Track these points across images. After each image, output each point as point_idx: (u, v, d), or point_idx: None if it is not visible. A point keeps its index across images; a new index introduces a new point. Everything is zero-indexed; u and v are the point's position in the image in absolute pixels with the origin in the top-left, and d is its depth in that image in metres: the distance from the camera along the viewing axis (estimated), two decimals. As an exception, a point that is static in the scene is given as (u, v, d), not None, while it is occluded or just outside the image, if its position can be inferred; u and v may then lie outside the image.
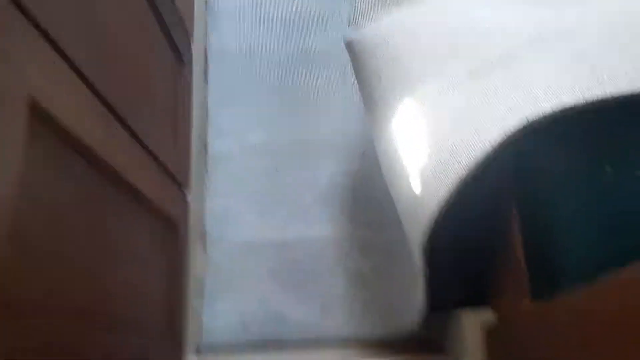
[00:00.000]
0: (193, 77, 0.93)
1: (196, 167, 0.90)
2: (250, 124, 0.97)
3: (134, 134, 0.60)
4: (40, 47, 0.41)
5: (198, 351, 0.80)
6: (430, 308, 0.65)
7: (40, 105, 0.40)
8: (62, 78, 0.45)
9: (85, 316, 0.48)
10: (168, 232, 0.72)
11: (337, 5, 1.03)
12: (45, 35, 0.41)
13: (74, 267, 0.46)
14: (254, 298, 0.84)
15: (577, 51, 0.50)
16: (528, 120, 0.49)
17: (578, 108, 0.47)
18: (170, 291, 0.72)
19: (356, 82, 0.77)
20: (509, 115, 0.51)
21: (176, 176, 0.74)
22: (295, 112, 0.98)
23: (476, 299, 0.69)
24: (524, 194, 0.55)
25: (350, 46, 0.76)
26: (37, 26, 0.40)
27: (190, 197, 0.81)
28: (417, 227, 0.59)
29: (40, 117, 0.40)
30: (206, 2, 1.06)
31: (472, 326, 0.68)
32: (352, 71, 0.77)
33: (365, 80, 0.74)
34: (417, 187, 0.59)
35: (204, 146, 0.95)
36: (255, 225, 0.89)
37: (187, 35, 0.87)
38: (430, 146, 0.58)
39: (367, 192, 0.90)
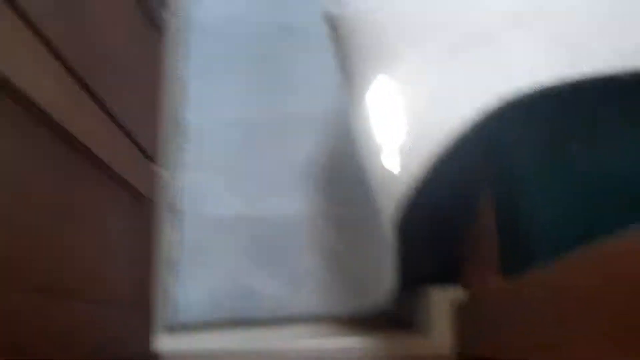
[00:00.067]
0: (169, 48, 0.90)
1: (169, 141, 0.88)
2: (227, 98, 0.95)
3: (102, 105, 0.58)
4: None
5: (170, 329, 0.80)
6: (401, 285, 0.66)
7: (1, 74, 0.38)
8: (24, 44, 0.43)
9: (49, 290, 0.47)
10: (138, 206, 0.71)
11: (318, -22, 1.01)
12: (5, -2, 0.39)
13: (37, 239, 0.45)
14: (226, 274, 0.83)
15: (555, 30, 0.50)
16: (503, 99, 0.48)
17: (554, 88, 0.47)
18: (141, 266, 0.71)
19: (335, 57, 0.75)
20: (484, 94, 0.50)
21: (147, 150, 0.73)
22: (273, 86, 0.97)
23: (447, 275, 0.70)
24: (497, 171, 0.55)
25: (329, 19, 0.75)
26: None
27: (162, 171, 0.80)
28: (390, 203, 0.59)
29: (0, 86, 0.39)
30: (183, -29, 1.03)
31: (441, 303, 0.69)
32: (332, 46, 0.76)
33: (343, 55, 0.73)
34: (391, 164, 0.59)
35: (179, 119, 0.93)
36: (228, 200, 0.88)
37: (162, 3, 0.85)
38: (405, 123, 0.58)
39: (342, 169, 0.90)
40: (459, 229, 0.66)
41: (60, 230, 0.49)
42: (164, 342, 0.75)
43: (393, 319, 0.82)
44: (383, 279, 0.69)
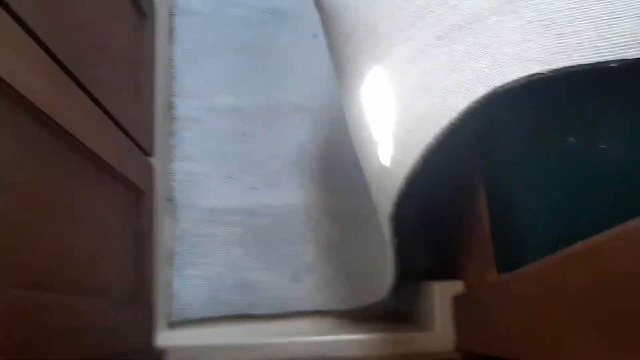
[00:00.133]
0: (159, 35, 0.89)
1: (162, 129, 0.87)
2: (218, 85, 0.95)
3: (90, 96, 0.57)
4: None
5: (169, 324, 0.80)
6: (399, 278, 0.66)
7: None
8: (10, 37, 0.42)
9: (47, 285, 0.47)
10: (133, 198, 0.70)
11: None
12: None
13: (33, 234, 0.45)
14: (223, 266, 0.83)
15: (545, 18, 0.49)
16: (494, 88, 0.48)
17: (544, 76, 0.46)
18: (138, 259, 0.71)
19: (326, 44, 0.75)
20: (475, 83, 0.50)
21: (139, 140, 0.72)
22: (265, 74, 0.96)
23: (445, 269, 0.70)
24: (490, 165, 0.55)
25: (319, 6, 0.74)
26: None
27: (155, 161, 0.79)
28: (385, 196, 0.59)
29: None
30: (171, -43, 1.01)
31: (440, 297, 0.68)
32: (323, 33, 0.75)
33: (334, 43, 0.72)
34: (384, 156, 0.59)
35: (170, 107, 0.92)
36: (223, 191, 0.88)
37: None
38: (397, 114, 0.58)
39: (337, 158, 0.89)
40: (454, 222, 0.66)
41: (57, 226, 0.49)
42: (164, 337, 0.76)
43: (392, 312, 0.82)
44: (382, 272, 0.69)
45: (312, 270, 0.83)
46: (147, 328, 0.72)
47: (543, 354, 0.39)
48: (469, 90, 0.50)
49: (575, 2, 0.49)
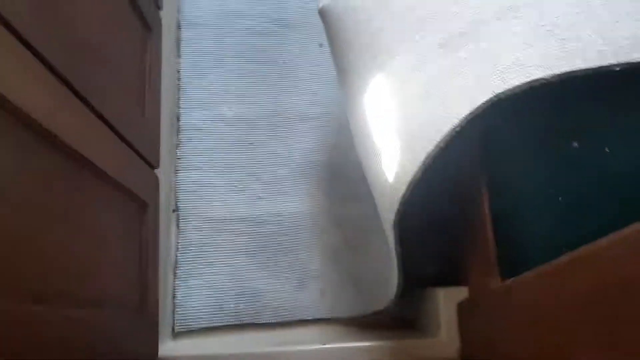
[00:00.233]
0: (165, 47, 0.90)
1: (167, 140, 0.88)
2: (224, 96, 0.95)
3: (93, 109, 0.57)
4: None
5: (173, 334, 0.80)
6: (404, 285, 0.65)
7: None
8: (8, 51, 0.42)
9: (45, 297, 0.46)
10: (136, 210, 0.70)
11: (313, -28, 1.00)
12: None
13: (32, 247, 0.45)
14: (228, 275, 0.83)
15: (546, 23, 0.49)
16: (495, 94, 0.47)
17: (546, 82, 0.46)
18: (141, 270, 0.71)
19: (330, 53, 0.75)
20: (476, 90, 0.49)
21: (143, 152, 0.72)
22: (271, 83, 0.96)
23: (450, 276, 0.69)
24: (493, 171, 0.54)
25: (323, 14, 0.74)
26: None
27: (160, 172, 0.79)
28: (388, 204, 0.58)
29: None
30: (177, -30, 1.02)
31: (445, 303, 0.67)
32: (327, 42, 0.75)
33: (338, 50, 0.72)
34: (387, 164, 0.58)
35: (176, 118, 0.93)
36: (228, 199, 0.88)
37: (155, 2, 0.84)
38: (399, 121, 0.57)
39: (342, 166, 0.89)
40: (458, 230, 0.65)
41: (57, 238, 0.49)
42: (167, 347, 0.76)
43: (397, 319, 0.81)
44: (387, 279, 0.69)
45: (317, 278, 0.83)
46: (150, 338, 0.72)
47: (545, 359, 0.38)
48: (470, 97, 0.49)
49: (578, 6, 0.48)
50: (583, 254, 0.32)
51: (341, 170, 0.89)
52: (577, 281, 0.33)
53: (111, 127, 0.62)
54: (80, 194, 0.55)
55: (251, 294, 0.82)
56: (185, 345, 0.77)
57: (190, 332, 0.80)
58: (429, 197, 0.59)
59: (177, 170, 0.89)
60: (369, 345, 0.72)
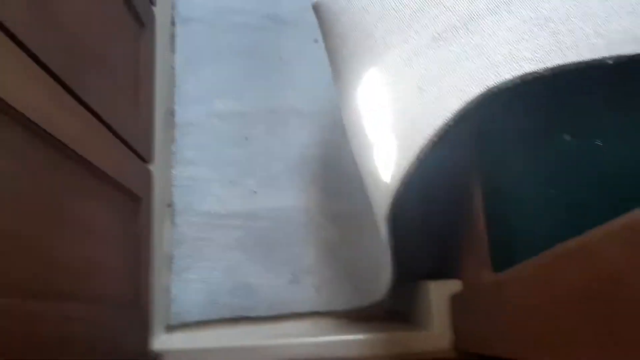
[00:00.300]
0: (159, 42, 0.89)
1: (162, 136, 0.87)
2: (219, 91, 0.95)
3: (85, 105, 0.57)
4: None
5: (167, 328, 0.80)
6: (397, 279, 0.65)
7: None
8: (2, 51, 0.42)
9: (41, 293, 0.47)
10: (130, 205, 0.70)
11: (307, -33, 0.99)
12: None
13: (27, 244, 0.45)
14: (222, 269, 0.83)
15: (540, 16, 0.49)
16: (488, 88, 0.47)
17: (539, 75, 0.45)
18: (136, 265, 0.71)
19: (325, 48, 0.74)
20: (469, 83, 0.49)
21: (137, 147, 0.72)
22: (266, 78, 0.96)
23: (443, 269, 0.69)
24: (486, 165, 0.54)
25: (317, 9, 0.73)
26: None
27: (154, 167, 0.79)
28: (381, 199, 0.58)
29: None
30: (171, -36, 1.01)
31: (436, 296, 0.68)
32: (321, 37, 0.75)
33: (332, 45, 0.72)
34: (380, 158, 0.58)
35: (171, 113, 0.93)
36: (223, 194, 0.88)
37: (149, -3, 0.84)
38: (393, 116, 0.57)
39: (337, 160, 0.89)
40: (451, 224, 0.65)
41: (52, 234, 0.49)
42: (161, 341, 0.76)
43: (392, 313, 0.81)
44: (380, 272, 0.69)
45: (311, 272, 0.83)
46: (143, 333, 0.72)
47: (537, 353, 0.38)
48: (463, 91, 0.49)
49: (571, 0, 0.48)
50: (573, 246, 0.32)
51: (336, 165, 0.89)
52: (568, 273, 0.33)
53: (104, 123, 0.62)
54: (74, 190, 0.55)
55: (245, 288, 0.82)
56: (180, 339, 0.77)
57: (185, 326, 0.80)
58: (422, 192, 0.59)
59: (171, 165, 0.89)
60: (362, 338, 0.72)
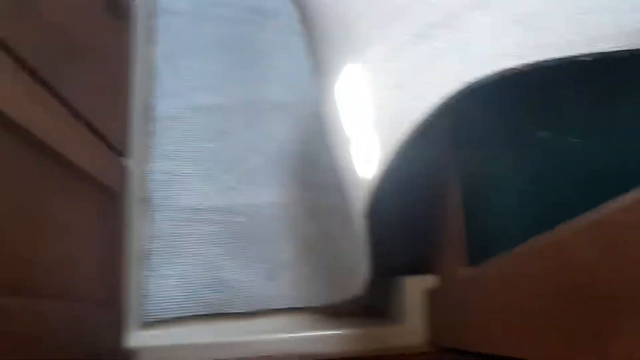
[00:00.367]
0: (138, 35, 0.88)
1: (140, 129, 0.86)
2: (199, 84, 0.94)
3: (59, 98, 0.56)
4: None
5: (143, 324, 0.79)
6: (374, 274, 0.65)
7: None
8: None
9: (14, 290, 0.46)
10: (107, 201, 0.69)
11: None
12: None
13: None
14: (199, 265, 0.82)
15: (519, 13, 0.49)
16: (467, 84, 0.47)
17: (517, 71, 0.46)
18: (111, 261, 0.70)
19: (305, 42, 0.74)
20: (448, 79, 0.49)
21: (113, 141, 0.71)
22: (246, 72, 0.95)
23: (421, 265, 0.69)
24: (464, 160, 0.54)
25: (298, 2, 0.73)
26: None
27: (132, 161, 0.78)
28: (358, 194, 0.58)
29: None
30: (150, -45, 1.00)
31: (411, 291, 0.68)
32: (302, 30, 0.74)
33: (312, 40, 0.71)
34: (358, 154, 0.58)
35: (149, 107, 0.91)
36: (200, 189, 0.86)
37: (127, -12, 0.82)
38: (372, 111, 0.57)
39: (317, 155, 0.88)
40: (429, 219, 0.65)
41: (23, 230, 0.48)
42: (136, 338, 0.74)
43: (369, 308, 0.81)
44: (357, 268, 0.69)
45: (289, 268, 0.83)
46: (118, 329, 0.71)
47: (509, 347, 0.38)
48: (442, 87, 0.49)
49: (551, -3, 0.48)
50: (545, 240, 0.33)
51: (316, 160, 0.89)
52: (539, 267, 0.33)
53: (80, 116, 0.61)
54: (47, 184, 0.54)
55: (222, 283, 0.81)
56: (155, 336, 0.76)
57: (161, 322, 0.79)
58: (400, 188, 0.58)
59: (149, 159, 0.87)
60: (338, 334, 0.72)
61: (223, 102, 0.92)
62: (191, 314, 0.79)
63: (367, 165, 0.56)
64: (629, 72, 0.47)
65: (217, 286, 0.81)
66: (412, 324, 0.68)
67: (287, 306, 0.81)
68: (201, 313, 0.80)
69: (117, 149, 0.73)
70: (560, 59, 0.45)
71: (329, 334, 0.72)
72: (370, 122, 0.57)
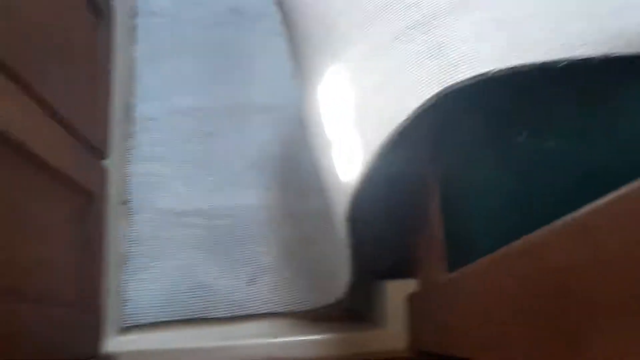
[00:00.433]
0: (119, 34, 0.87)
1: (120, 131, 0.85)
2: (180, 86, 0.93)
3: (36, 98, 0.55)
4: None
5: (122, 329, 0.77)
6: (356, 278, 0.65)
7: None
8: None
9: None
10: (83, 201, 0.68)
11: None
12: None
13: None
14: (179, 269, 0.81)
15: (498, 17, 0.49)
16: (446, 87, 0.47)
17: (495, 75, 0.46)
18: (88, 264, 0.69)
19: (286, 43, 0.73)
20: (428, 82, 0.49)
21: (92, 142, 0.70)
22: (228, 73, 0.94)
23: (403, 269, 0.69)
24: (443, 164, 0.54)
25: (280, 4, 0.73)
26: None
27: (111, 163, 0.77)
28: (341, 197, 0.58)
29: None
30: (132, -45, 0.99)
31: (392, 295, 0.68)
32: (283, 31, 0.74)
33: (293, 41, 0.71)
34: (339, 157, 0.58)
35: (130, 108, 0.90)
36: (181, 192, 0.86)
37: (107, -11, 0.81)
38: (352, 113, 0.57)
39: (299, 158, 0.88)
40: (410, 221, 0.65)
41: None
42: (115, 343, 0.73)
43: (351, 313, 0.81)
44: (339, 271, 0.68)
45: (270, 272, 0.82)
46: (95, 334, 0.70)
47: (486, 353, 0.38)
48: (422, 89, 0.49)
49: (528, 2, 0.48)
50: (521, 245, 0.33)
51: (298, 163, 0.88)
52: (515, 272, 0.33)
53: (57, 116, 0.60)
54: (22, 185, 0.53)
55: (203, 288, 0.80)
56: (134, 341, 0.75)
57: (139, 327, 0.78)
58: (381, 191, 0.58)
59: (129, 161, 0.86)
60: (319, 339, 0.72)
61: (204, 104, 0.92)
62: (171, 318, 0.78)
63: (349, 168, 0.56)
64: (610, 75, 0.47)
65: (197, 290, 0.80)
66: (394, 329, 0.68)
67: (268, 311, 0.80)
68: (181, 318, 0.79)
69: (96, 150, 0.72)
70: (537, 64, 0.45)
71: (310, 339, 0.72)
72: (351, 124, 0.56)
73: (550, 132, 0.47)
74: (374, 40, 0.58)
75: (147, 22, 0.96)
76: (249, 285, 0.81)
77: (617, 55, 0.45)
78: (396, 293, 0.68)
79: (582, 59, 0.45)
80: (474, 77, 0.46)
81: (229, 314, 0.79)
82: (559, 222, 0.28)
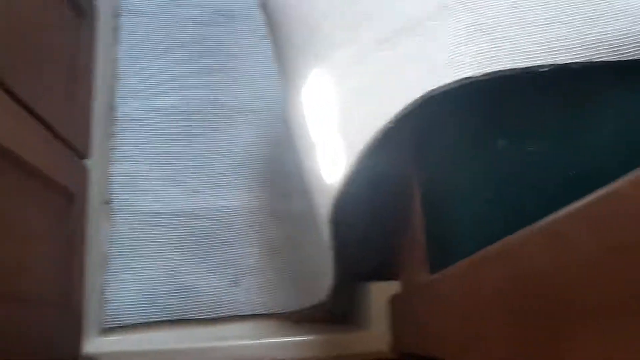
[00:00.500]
0: (102, 34, 0.86)
1: (102, 130, 0.84)
2: (163, 86, 0.92)
3: (16, 97, 0.54)
4: None
5: (103, 330, 0.77)
6: (340, 280, 0.65)
7: None
8: None
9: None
10: (63, 201, 0.67)
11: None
12: None
13: None
14: (161, 270, 0.81)
15: (480, 23, 0.49)
16: (428, 91, 0.47)
17: (477, 80, 0.46)
18: (68, 265, 0.68)
19: (271, 45, 0.73)
20: (411, 86, 0.49)
21: (73, 142, 0.69)
22: (212, 74, 0.94)
23: (387, 271, 0.69)
24: (425, 168, 0.55)
25: (264, 4, 0.72)
26: None
27: (92, 163, 0.76)
28: (324, 200, 0.58)
29: None
30: (116, -46, 0.98)
31: (375, 297, 0.69)
32: (268, 33, 0.74)
33: (279, 43, 0.71)
34: (322, 160, 0.58)
35: (112, 108, 0.89)
36: (164, 193, 0.85)
37: (90, -12, 0.81)
38: (336, 116, 0.57)
39: (283, 160, 0.88)
40: (393, 224, 0.66)
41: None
42: (96, 344, 0.73)
43: (334, 315, 0.81)
44: (323, 273, 0.69)
45: (254, 274, 0.82)
46: (75, 335, 0.69)
47: (465, 354, 0.38)
48: (404, 94, 0.49)
49: (511, 8, 0.49)
50: (498, 248, 0.33)
51: (282, 165, 0.88)
52: (492, 275, 0.33)
53: (37, 116, 0.59)
54: (2, 186, 0.52)
55: (185, 289, 0.80)
56: (115, 342, 0.75)
57: (121, 329, 0.77)
58: (364, 193, 0.59)
59: (111, 161, 0.86)
60: (302, 340, 0.72)
61: (188, 105, 0.91)
62: (152, 319, 0.78)
63: (332, 170, 0.56)
64: (590, 81, 0.48)
65: (180, 291, 0.80)
66: (377, 330, 0.69)
67: (251, 312, 0.80)
68: (163, 319, 0.78)
69: (77, 150, 0.71)
70: (518, 70, 0.46)
71: (293, 340, 0.72)
72: (335, 127, 0.57)
73: (532, 136, 0.47)
74: (359, 45, 0.58)
75: (131, 22, 0.95)
76: (232, 286, 0.81)
77: (601, 61, 0.46)
78: (380, 295, 0.69)
79: (563, 64, 0.46)
80: (457, 81, 0.46)
81: (211, 315, 0.79)
82: (535, 226, 0.28)
